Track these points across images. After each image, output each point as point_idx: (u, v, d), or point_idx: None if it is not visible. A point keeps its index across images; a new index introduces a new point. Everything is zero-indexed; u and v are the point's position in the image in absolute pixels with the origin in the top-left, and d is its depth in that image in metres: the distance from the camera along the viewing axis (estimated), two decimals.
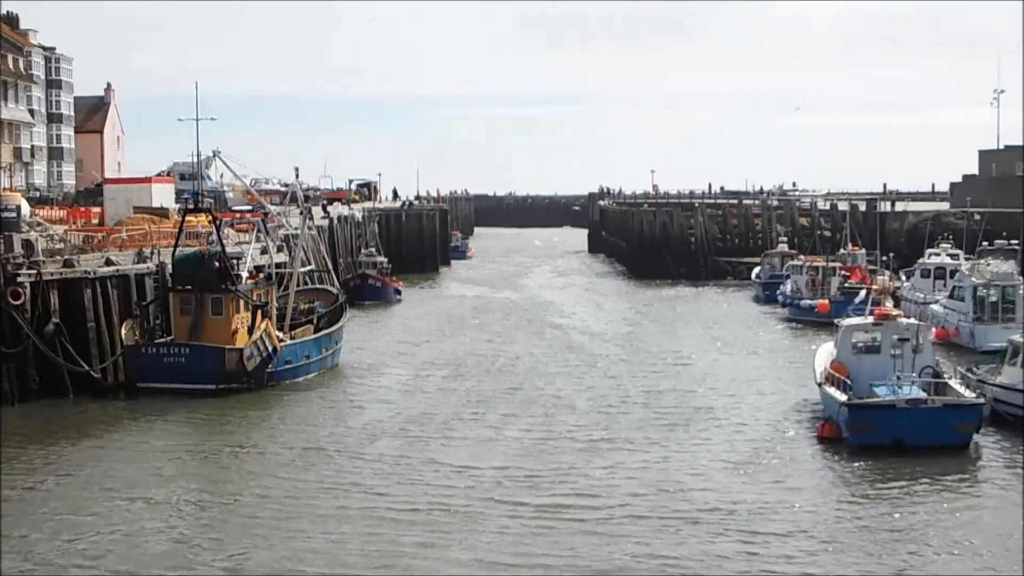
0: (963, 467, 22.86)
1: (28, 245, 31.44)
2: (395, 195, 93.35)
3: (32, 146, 70.96)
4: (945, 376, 26.01)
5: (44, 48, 74.08)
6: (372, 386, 33.12)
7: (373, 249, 61.52)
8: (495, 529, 18.37)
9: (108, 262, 33.06)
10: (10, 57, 66.86)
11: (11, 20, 69.68)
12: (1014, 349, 26.37)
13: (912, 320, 28.17)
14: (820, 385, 26.63)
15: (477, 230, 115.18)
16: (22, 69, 68.96)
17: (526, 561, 16.73)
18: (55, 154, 75.71)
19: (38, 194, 61.00)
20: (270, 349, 31.65)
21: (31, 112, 70.56)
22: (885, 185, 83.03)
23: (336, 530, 18.20)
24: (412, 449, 24.20)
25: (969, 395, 24.64)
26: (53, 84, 75.39)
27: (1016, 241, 44.99)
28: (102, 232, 40.51)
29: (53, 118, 75.53)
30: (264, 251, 39.03)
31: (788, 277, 51.53)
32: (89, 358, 30.24)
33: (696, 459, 23.29)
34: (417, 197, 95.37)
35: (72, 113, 79.34)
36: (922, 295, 44.13)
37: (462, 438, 25.37)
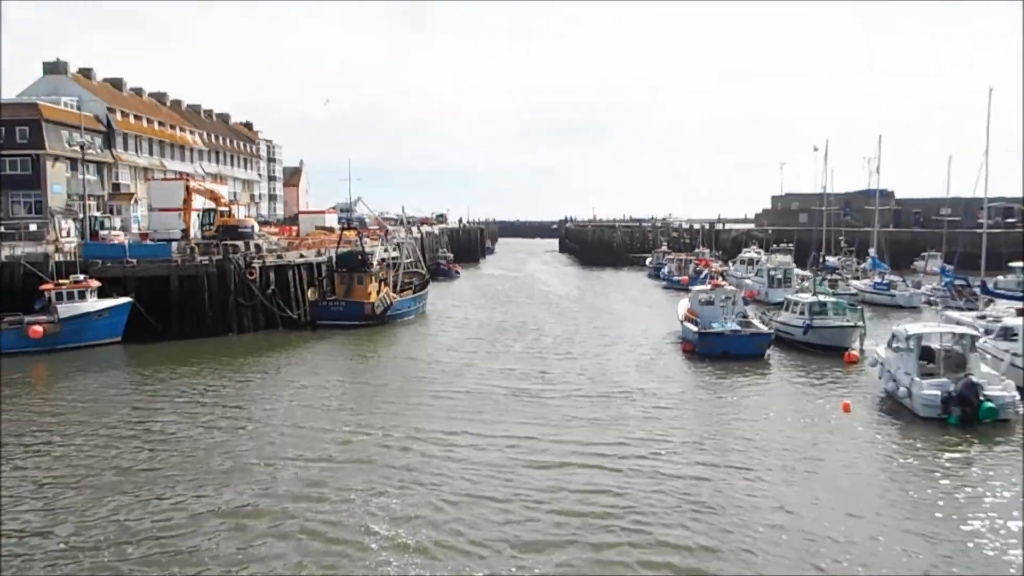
0: (760, 367, 33.16)
1: (257, 247, 45.98)
2: (460, 221, 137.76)
3: (259, 193, 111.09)
4: (750, 318, 37.98)
5: (266, 140, 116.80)
6: (444, 322, 48.05)
7: (444, 249, 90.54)
8: (501, 401, 26.75)
9: (301, 256, 47.48)
10: (248, 145, 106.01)
11: (248, 125, 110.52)
12: (787, 302, 39.57)
13: (732, 287, 40.83)
14: (682, 323, 38.70)
15: (500, 239, 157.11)
16: (253, 151, 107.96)
17: (521, 417, 24.40)
18: (272, 198, 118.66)
19: (263, 219, 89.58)
20: (389, 302, 46.17)
21: (259, 174, 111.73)
22: (719, 214, 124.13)
23: (428, 401, 26.46)
24: (466, 355, 35.74)
25: (764, 328, 36.62)
26: (271, 159, 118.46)
27: (791, 244, 69.52)
28: (298, 240, 55.32)
29: (271, 178, 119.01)
30: (385, 250, 54.80)
31: (666, 265, 76.09)
32: (291, 308, 43.87)
33: (615, 363, 33.75)
34: (468, 221, 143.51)
35: (281, 175, 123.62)
36: (740, 274, 63.58)
37: (492, 351, 36.85)
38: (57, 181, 61.88)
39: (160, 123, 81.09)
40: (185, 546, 14.72)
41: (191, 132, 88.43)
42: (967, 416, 23.08)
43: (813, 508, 16.84)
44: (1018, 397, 23.85)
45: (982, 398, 23.21)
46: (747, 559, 14.23)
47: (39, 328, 36.32)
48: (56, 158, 62.08)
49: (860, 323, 36.15)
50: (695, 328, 36.41)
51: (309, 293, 45.58)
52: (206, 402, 27.22)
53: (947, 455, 20.76)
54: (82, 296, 38.08)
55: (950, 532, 15.58)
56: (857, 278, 60.20)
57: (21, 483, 18.42)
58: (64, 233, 52.58)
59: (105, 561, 14.10)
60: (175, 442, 21.98)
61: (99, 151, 67.00)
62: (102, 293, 38.88)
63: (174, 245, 44.65)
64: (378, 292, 46.34)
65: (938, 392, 23.67)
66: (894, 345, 27.15)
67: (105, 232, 54.42)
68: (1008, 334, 29.32)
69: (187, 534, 15.32)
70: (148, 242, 48.93)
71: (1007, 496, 17.67)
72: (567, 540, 15.01)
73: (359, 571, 13.75)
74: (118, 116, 72.43)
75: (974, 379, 23.79)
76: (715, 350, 34.87)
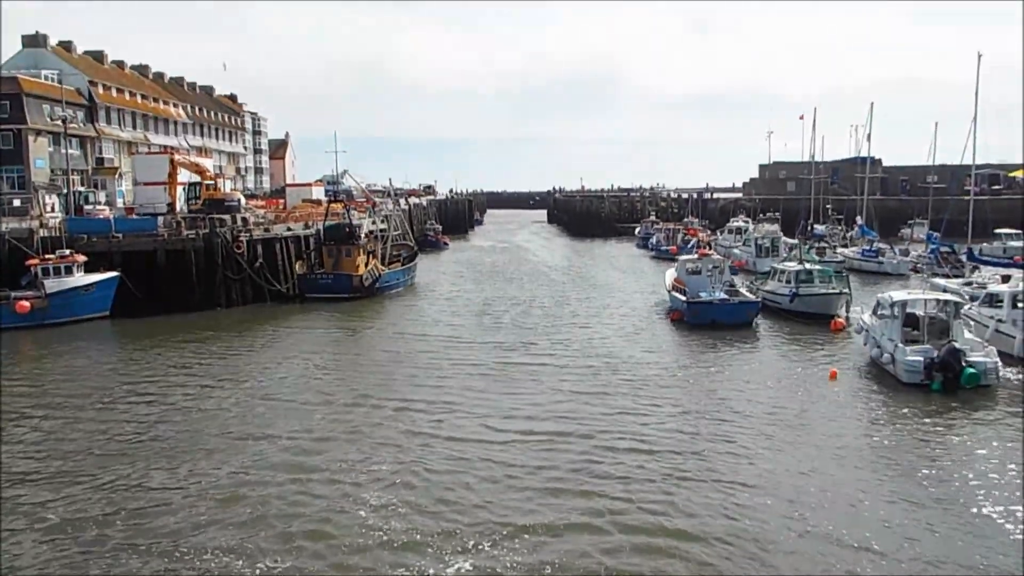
0: (747, 334, 33.62)
1: (244, 221, 45.81)
2: (450, 192, 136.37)
3: (245, 166, 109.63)
4: (737, 287, 38.27)
5: (251, 112, 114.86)
6: (433, 294, 48.31)
7: (432, 221, 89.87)
8: (489, 372, 27.07)
9: (288, 229, 47.61)
10: (232, 118, 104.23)
11: (233, 97, 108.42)
12: (773, 271, 39.70)
13: (719, 257, 40.95)
14: (669, 292, 38.84)
15: (488, 210, 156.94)
16: (238, 124, 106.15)
17: (509, 388, 24.65)
18: (258, 171, 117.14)
19: (249, 192, 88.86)
20: (377, 274, 46.27)
21: (245, 147, 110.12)
22: (707, 184, 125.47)
23: (416, 373, 26.56)
24: (454, 327, 36.08)
25: (751, 296, 36.92)
26: (256, 132, 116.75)
27: (778, 213, 69.25)
28: (285, 213, 55.30)
29: (257, 151, 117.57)
30: (373, 223, 54.84)
31: (654, 235, 76.25)
32: (279, 281, 44.10)
33: (603, 333, 34.04)
34: (455, 192, 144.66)
35: (267, 148, 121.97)
36: (728, 244, 63.57)
37: (480, 323, 36.93)
38: (40, 155, 61.18)
39: (143, 96, 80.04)
40: (173, 519, 14.83)
41: (175, 105, 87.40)
42: (949, 382, 23.39)
43: (798, 476, 17.08)
44: (1000, 363, 24.19)
45: (964, 364, 23.49)
46: (729, 526, 14.45)
47: (26, 303, 36.17)
48: (38, 132, 61.31)
49: (846, 290, 36.41)
50: (683, 297, 36.63)
51: (297, 266, 45.67)
52: (195, 376, 27.25)
53: (929, 420, 21.06)
54: (69, 271, 37.88)
55: (932, 495, 15.86)
56: (845, 246, 60.49)
57: (8, 458, 18.44)
58: (48, 208, 52.16)
59: (92, 536, 14.20)
60: (164, 416, 22.07)
61: (81, 125, 66.16)
62: (88, 268, 38.68)
63: (160, 219, 44.47)
64: (366, 264, 46.39)
65: (921, 358, 23.97)
66: (879, 312, 27.40)
67: (90, 207, 54.01)
68: (993, 301, 29.60)
69: (175, 507, 15.42)
70: (133, 216, 48.70)
71: (986, 458, 17.96)
72: (551, 510, 15.20)
73: (347, 540, 13.90)
74: (100, 89, 71.47)
75: (957, 346, 24.06)
76: (703, 319, 35.13)
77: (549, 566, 12.88)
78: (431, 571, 12.73)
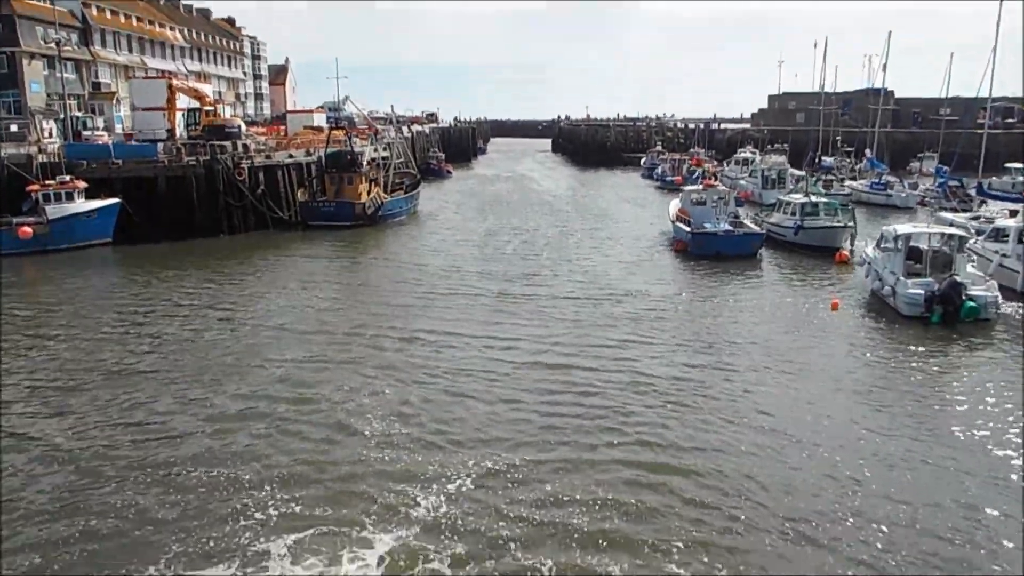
0: (751, 267, 33.07)
1: (245, 147, 45.56)
2: (455, 120, 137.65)
3: (245, 92, 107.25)
4: (742, 218, 37.96)
5: (250, 37, 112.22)
6: (436, 223, 48.23)
7: (435, 149, 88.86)
8: (491, 302, 27.86)
9: (290, 156, 47.23)
10: (231, 43, 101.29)
11: (231, 20, 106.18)
12: (779, 203, 39.52)
13: (724, 188, 40.63)
14: (673, 222, 38.70)
15: (492, 139, 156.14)
16: (237, 49, 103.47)
17: (511, 319, 24.98)
18: (258, 97, 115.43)
19: (249, 119, 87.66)
20: (379, 203, 46.17)
21: (244, 73, 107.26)
22: (715, 114, 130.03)
23: (418, 302, 26.86)
24: (456, 257, 36.01)
25: (756, 229, 36.87)
26: (256, 57, 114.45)
27: (786, 145, 67.69)
28: (286, 140, 54.63)
29: (257, 76, 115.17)
30: (375, 150, 54.65)
31: (660, 165, 75.50)
32: (281, 208, 44.02)
33: (606, 264, 33.99)
34: (458, 120, 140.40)
35: (266, 73, 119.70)
36: (734, 175, 62.42)
37: (483, 253, 36.59)
38: (35, 79, 60.10)
39: (138, 18, 78.13)
40: (174, 448, 15.05)
41: (171, 28, 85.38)
42: (949, 315, 23.41)
43: (793, 407, 17.24)
44: (1000, 297, 24.17)
45: (965, 298, 23.46)
46: (723, 458, 14.64)
47: (28, 229, 36.12)
48: (32, 55, 60.08)
49: (851, 224, 36.16)
50: (687, 228, 36.48)
51: (299, 194, 45.35)
52: (198, 303, 27.34)
53: (927, 352, 21.13)
54: (69, 197, 37.69)
55: (927, 427, 16.02)
56: (853, 179, 59.82)
57: (13, 384, 18.66)
58: (46, 133, 51.51)
59: (92, 466, 14.42)
60: (166, 342, 22.23)
61: (76, 48, 64.77)
62: (89, 194, 38.45)
63: (159, 145, 44.06)
64: (368, 192, 46.12)
65: (922, 291, 23.94)
66: (882, 245, 27.25)
67: (88, 132, 53.31)
68: (999, 235, 29.37)
69: (177, 433, 15.65)
70: (132, 143, 48.11)
71: (982, 390, 18.07)
72: (548, 437, 15.39)
73: (346, 467, 14.12)
74: (93, 11, 69.74)
75: (958, 279, 23.99)
76: (706, 250, 35.09)
77: (546, 492, 13.10)
78: (432, 490, 12.95)
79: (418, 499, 12.73)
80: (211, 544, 11.50)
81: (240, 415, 16.49)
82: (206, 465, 13.91)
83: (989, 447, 15.03)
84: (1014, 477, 13.76)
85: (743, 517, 12.28)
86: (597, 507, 12.53)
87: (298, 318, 25.06)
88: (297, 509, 12.49)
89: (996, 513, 12.48)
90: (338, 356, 20.76)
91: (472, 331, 23.21)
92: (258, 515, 12.27)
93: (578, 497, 12.86)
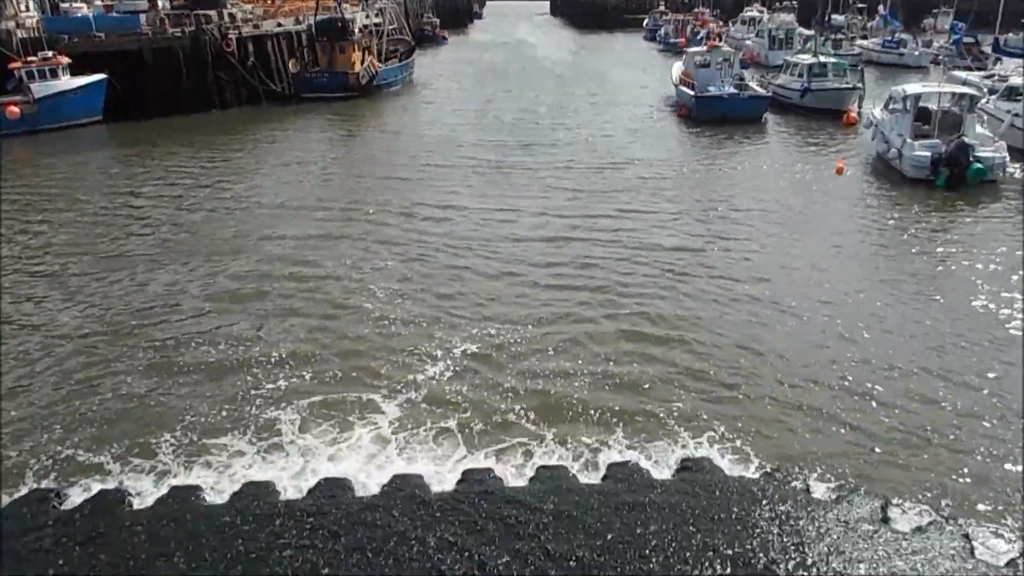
0: (757, 130, 33.24)
1: (232, 16, 44.13)
2: None
3: None
4: (747, 80, 36.96)
5: None
6: (432, 91, 47.50)
7: (430, 14, 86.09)
8: (489, 173, 27.20)
9: (279, 24, 45.89)
10: None
11: None
12: (786, 64, 38.47)
13: (728, 48, 39.04)
14: (676, 86, 37.92)
15: (488, 3, 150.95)
16: None
17: (510, 190, 24.71)
18: None
19: None
20: (373, 72, 45.23)
21: None
22: None
23: (416, 175, 26.31)
24: (454, 127, 35.58)
25: (762, 91, 36.07)
26: None
27: (795, 2, 65.15)
28: (274, 7, 52.69)
29: None
30: (367, 16, 52.81)
31: (663, 26, 73.45)
32: (273, 80, 43.23)
33: (608, 130, 33.67)
34: None
35: None
36: (740, 35, 60.38)
37: (481, 123, 36.18)
38: None
39: None
40: (179, 328, 15.21)
41: None
42: (955, 177, 23.07)
43: (794, 271, 17.28)
44: (1008, 158, 23.74)
45: (971, 159, 23.03)
46: (723, 322, 14.80)
47: (15, 108, 35.25)
48: None
49: (859, 84, 35.23)
50: (691, 91, 35.59)
51: (290, 64, 44.16)
52: (191, 182, 27.01)
53: (929, 214, 21.01)
54: (54, 74, 36.55)
55: (927, 289, 16.11)
56: (864, 37, 57.55)
57: (8, 262, 18.71)
58: (22, 7, 49.24)
59: (97, 350, 14.61)
60: (164, 220, 22.13)
61: None
62: (73, 71, 37.24)
63: (142, 16, 42.43)
64: (362, 61, 44.93)
65: (928, 153, 23.52)
66: (890, 106, 26.52)
67: (66, 4, 50.91)
68: (1012, 94, 28.54)
69: (181, 314, 15.78)
70: (114, 14, 46.02)
71: (982, 251, 18.06)
72: (552, 301, 15.53)
73: (350, 330, 14.34)
74: None
75: (967, 140, 23.47)
76: (711, 113, 34.40)
77: (548, 361, 13.34)
78: (437, 359, 13.21)
79: (425, 368, 12.98)
80: (223, 414, 11.83)
81: (242, 295, 16.57)
82: (212, 344, 14.11)
83: (991, 307, 15.14)
84: (1015, 332, 13.92)
85: (742, 384, 12.53)
86: (598, 376, 12.77)
87: (295, 194, 24.81)
88: (307, 378, 12.77)
89: (993, 375, 12.68)
90: (337, 229, 20.69)
91: (471, 203, 23.03)
92: (268, 386, 12.55)
93: (580, 364, 13.09)
